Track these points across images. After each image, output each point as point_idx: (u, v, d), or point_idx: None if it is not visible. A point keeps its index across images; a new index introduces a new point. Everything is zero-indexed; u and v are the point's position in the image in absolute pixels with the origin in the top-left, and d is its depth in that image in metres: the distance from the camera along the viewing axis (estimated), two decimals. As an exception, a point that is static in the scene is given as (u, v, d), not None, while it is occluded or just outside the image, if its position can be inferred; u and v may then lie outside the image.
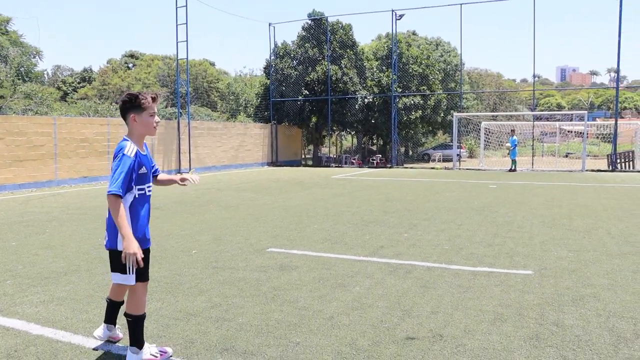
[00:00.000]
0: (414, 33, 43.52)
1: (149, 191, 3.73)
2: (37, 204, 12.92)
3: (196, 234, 8.51)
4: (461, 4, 28.32)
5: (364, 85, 32.06)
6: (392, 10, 29.56)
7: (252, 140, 30.15)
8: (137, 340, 3.65)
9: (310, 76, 31.17)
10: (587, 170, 24.61)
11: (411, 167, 29.91)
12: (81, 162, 19.30)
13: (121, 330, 4.09)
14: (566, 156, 36.76)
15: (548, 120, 43.06)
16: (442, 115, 35.04)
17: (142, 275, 3.63)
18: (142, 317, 3.67)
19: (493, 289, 5.33)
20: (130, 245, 3.33)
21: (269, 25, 32.86)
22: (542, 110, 69.09)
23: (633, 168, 25.96)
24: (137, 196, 3.58)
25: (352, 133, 39.75)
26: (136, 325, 3.64)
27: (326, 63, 30.87)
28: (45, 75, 55.43)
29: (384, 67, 32.49)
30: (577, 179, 19.73)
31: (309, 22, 32.28)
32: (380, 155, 34.35)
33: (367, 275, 5.90)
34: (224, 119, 41.19)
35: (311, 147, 38.56)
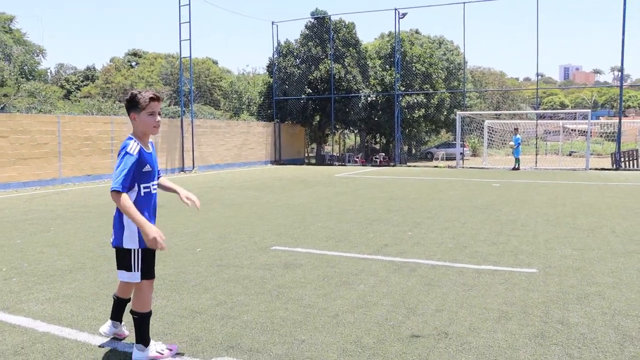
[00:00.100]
0: (417, 31, 43.45)
1: (155, 189, 3.74)
2: (42, 202, 12.96)
3: (200, 232, 8.53)
4: (464, 3, 28.27)
5: (367, 83, 32.03)
6: (395, 9, 29.53)
7: (255, 138, 30.17)
8: (143, 338, 3.66)
9: (314, 75, 31.16)
10: (590, 169, 24.55)
11: (414, 166, 29.90)
12: (85, 161, 19.34)
13: (127, 327, 4.11)
14: (570, 155, 36.70)
15: (551, 119, 43.00)
16: (445, 113, 34.99)
17: (148, 273, 3.65)
18: (148, 315, 3.68)
19: (498, 287, 5.33)
20: (149, 233, 3.34)
21: (272, 23, 32.86)
22: (545, 109, 68.98)
23: (637, 167, 25.90)
24: (142, 194, 3.60)
25: (355, 131, 39.71)
26: (142, 323, 3.66)
27: (329, 61, 30.86)
28: (49, 74, 55.52)
29: (387, 66, 32.46)
30: (581, 178, 19.69)
31: (312, 20, 32.26)
32: (384, 154, 34.32)
33: (371, 273, 5.90)
34: (227, 117, 41.19)
35: (314, 145, 38.55)
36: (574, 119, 46.53)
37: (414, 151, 44.36)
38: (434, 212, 10.72)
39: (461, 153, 29.21)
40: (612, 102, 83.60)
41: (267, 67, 34.58)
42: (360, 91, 31.26)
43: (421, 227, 8.93)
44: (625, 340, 3.97)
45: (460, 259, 6.59)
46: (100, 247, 7.45)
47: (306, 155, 36.93)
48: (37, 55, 41.82)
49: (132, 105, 3.58)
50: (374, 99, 31.75)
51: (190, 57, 26.17)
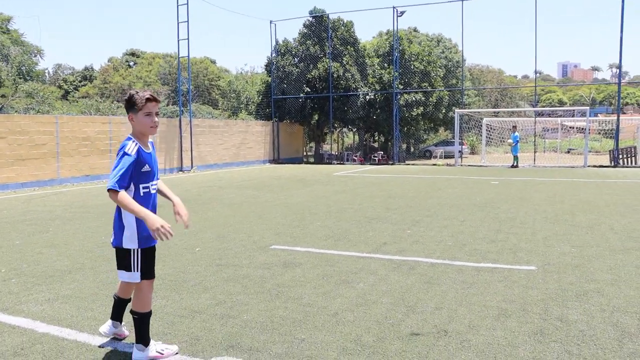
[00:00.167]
0: (415, 30, 43.46)
1: (154, 189, 3.74)
2: (40, 203, 12.95)
3: (199, 232, 8.53)
4: (462, 0, 28.26)
5: (366, 82, 32.03)
6: (393, 7, 29.51)
7: (253, 137, 30.16)
8: (143, 338, 3.67)
9: (312, 73, 31.15)
10: (589, 166, 24.58)
11: (413, 164, 29.91)
12: (83, 161, 19.33)
13: (127, 327, 4.11)
14: (568, 152, 36.72)
15: (550, 117, 43.05)
16: (443, 111, 35.01)
17: (148, 273, 3.65)
18: (148, 315, 3.69)
19: (497, 285, 5.34)
20: (153, 223, 3.34)
21: (270, 22, 32.84)
22: (543, 107, 68.97)
23: (635, 164, 25.93)
24: (141, 194, 3.60)
25: (354, 130, 39.71)
26: (142, 323, 3.66)
27: (327, 60, 30.84)
28: (47, 74, 55.50)
29: (385, 64, 32.45)
30: (579, 175, 19.71)
31: (310, 19, 32.24)
32: (382, 152, 34.33)
33: (370, 272, 5.91)
34: (225, 116, 41.19)
35: (313, 144, 38.55)
36: (572, 116, 46.61)
37: (412, 149, 44.36)
38: (433, 210, 10.73)
39: (460, 151, 29.22)
40: (610, 100, 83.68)
41: (266, 66, 34.56)
42: (359, 90, 31.26)
43: (420, 225, 8.93)
44: (624, 336, 3.98)
45: (460, 256, 6.59)
46: (99, 247, 7.45)
47: (305, 154, 36.94)
48: (35, 56, 41.77)
49: (130, 105, 3.59)
50: (372, 97, 31.75)
51: (188, 56, 26.15)
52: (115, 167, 3.44)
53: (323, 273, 5.88)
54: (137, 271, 3.59)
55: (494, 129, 32.71)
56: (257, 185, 16.90)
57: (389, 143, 35.07)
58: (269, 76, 33.31)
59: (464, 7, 28.26)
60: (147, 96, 3.57)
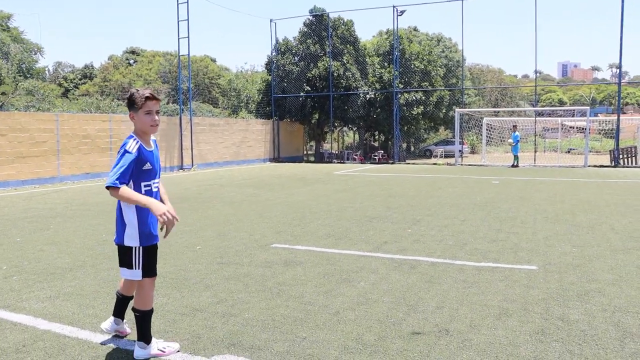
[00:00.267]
0: (415, 29, 43.43)
1: (156, 187, 3.74)
2: (41, 200, 12.95)
3: (200, 230, 8.53)
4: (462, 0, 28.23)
5: (366, 81, 32.02)
6: (394, 7, 29.50)
7: (254, 136, 30.16)
8: (144, 335, 3.67)
9: (312, 72, 31.14)
10: (589, 166, 24.58)
11: (413, 163, 29.91)
12: (83, 159, 19.33)
13: (129, 325, 4.11)
14: (568, 152, 36.72)
15: (550, 116, 43.00)
16: (444, 111, 35.00)
17: (150, 270, 3.66)
18: (149, 313, 3.69)
19: (498, 284, 5.34)
20: (158, 208, 3.35)
21: (271, 21, 32.83)
22: (543, 106, 68.97)
23: (636, 163, 25.93)
24: (143, 192, 3.60)
25: (354, 129, 39.71)
26: (144, 321, 3.67)
27: (328, 59, 30.83)
28: (47, 72, 55.46)
29: (385, 63, 32.44)
30: (580, 175, 19.72)
31: (311, 18, 32.23)
32: (382, 151, 34.32)
33: (371, 271, 5.91)
34: (225, 115, 41.18)
35: (313, 143, 38.55)
36: (573, 116, 46.59)
37: (412, 149, 44.34)
38: (434, 209, 10.73)
39: (460, 150, 29.22)
40: (610, 99, 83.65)
41: (266, 64, 34.55)
42: (359, 89, 31.25)
43: (421, 224, 8.94)
44: (625, 336, 3.98)
45: (460, 256, 6.60)
46: (100, 245, 7.45)
47: (305, 152, 36.93)
48: (35, 54, 41.78)
49: (130, 104, 3.60)
50: (372, 96, 31.75)
51: (188, 54, 26.14)
52: (116, 164, 3.45)
53: (324, 272, 5.89)
54: (139, 269, 3.60)
55: (494, 129, 32.71)
56: (257, 183, 16.90)
57: (389, 142, 35.06)
58: (269, 75, 33.30)
59: (464, 6, 28.23)
60: (147, 95, 3.57)
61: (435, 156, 35.92)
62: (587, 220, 9.27)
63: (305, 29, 32.36)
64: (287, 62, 31.91)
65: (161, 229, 3.75)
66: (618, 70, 26.83)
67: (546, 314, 4.48)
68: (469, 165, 27.39)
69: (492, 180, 17.68)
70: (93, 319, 4.44)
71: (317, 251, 6.95)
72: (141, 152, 3.55)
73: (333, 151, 37.99)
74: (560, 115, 41.18)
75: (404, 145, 39.41)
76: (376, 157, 32.34)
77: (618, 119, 26.34)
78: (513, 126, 26.85)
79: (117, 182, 3.37)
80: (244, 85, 43.33)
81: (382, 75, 31.90)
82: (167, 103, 40.00)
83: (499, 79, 68.66)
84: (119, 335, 4.05)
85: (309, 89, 31.51)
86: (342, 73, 30.67)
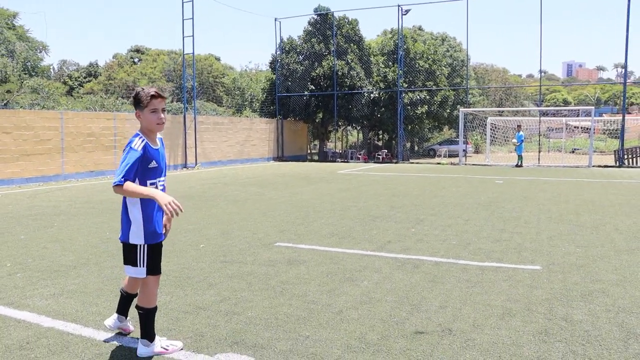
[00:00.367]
0: (420, 28, 43.38)
1: (162, 185, 3.75)
2: (45, 198, 12.99)
3: (204, 228, 8.54)
4: (468, -1, 28.13)
5: (370, 80, 32.00)
6: (399, 6, 29.46)
7: (257, 135, 30.18)
8: (148, 333, 3.68)
9: (316, 71, 31.13)
10: (593, 166, 24.50)
11: (417, 163, 29.87)
12: (88, 157, 19.37)
13: (132, 323, 4.12)
14: (573, 152, 36.62)
15: (554, 116, 42.93)
16: (448, 110, 34.96)
17: (154, 268, 3.67)
18: (153, 310, 3.70)
19: (501, 284, 5.33)
20: (163, 198, 3.36)
21: (275, 20, 32.84)
22: (548, 106, 68.80)
23: (640, 164, 25.83)
24: None
25: (358, 128, 39.70)
26: (147, 318, 3.67)
27: (332, 58, 30.82)
28: (52, 70, 55.59)
29: (390, 63, 32.40)
30: (584, 175, 19.66)
31: (315, 17, 32.23)
32: (386, 151, 34.30)
33: (375, 270, 5.91)
34: (229, 113, 41.23)
35: (317, 142, 38.54)
36: (577, 116, 46.47)
37: (416, 148, 44.31)
38: (437, 209, 10.72)
39: (464, 150, 29.17)
40: (615, 99, 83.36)
41: (270, 63, 34.57)
42: (363, 88, 31.23)
43: (424, 223, 8.93)
44: (629, 337, 3.97)
45: (464, 255, 6.59)
46: (103, 242, 7.47)
47: (309, 152, 36.93)
48: (40, 52, 41.89)
49: (136, 102, 3.61)
50: (376, 95, 31.73)
51: (193, 53, 26.17)
52: (122, 162, 3.46)
53: (327, 271, 5.89)
54: (143, 266, 3.61)
55: (499, 128, 32.65)
56: (261, 182, 16.91)
57: (393, 141, 35.02)
58: (274, 74, 33.31)
59: (468, 5, 28.13)
60: (152, 93, 3.57)
61: (439, 156, 35.87)
62: (591, 220, 9.24)
63: (310, 28, 32.36)
64: (292, 61, 31.91)
65: (165, 229, 3.78)
66: (623, 70, 26.74)
67: (550, 314, 4.47)
68: (473, 164, 27.34)
69: (496, 180, 17.65)
70: (96, 316, 4.46)
71: (320, 250, 6.95)
72: (147, 150, 3.56)
73: (337, 150, 38.00)
74: (565, 115, 41.10)
75: (408, 145, 39.37)
76: (380, 157, 32.32)
77: (623, 119, 26.25)
78: (517, 126, 26.80)
79: (122, 179, 3.39)
80: (248, 84, 43.37)
81: (387, 75, 31.86)
82: (172, 102, 40.08)
83: (503, 78, 68.49)
84: (122, 333, 4.06)
85: (313, 88, 31.51)
86: (346, 72, 30.65)
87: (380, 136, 40.34)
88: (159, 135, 3.79)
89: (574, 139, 43.48)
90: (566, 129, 38.43)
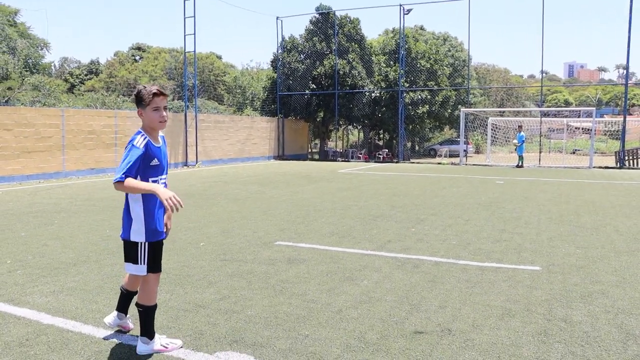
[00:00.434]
0: (421, 28, 43.38)
1: (163, 183, 3.75)
2: (45, 195, 13.00)
3: (204, 227, 8.55)
4: (470, -1, 28.12)
5: (372, 79, 31.99)
6: (400, 5, 29.45)
7: (258, 133, 30.18)
8: (147, 331, 3.68)
9: (318, 70, 31.13)
10: (594, 167, 24.49)
11: (417, 162, 29.87)
12: (88, 154, 19.38)
13: (132, 320, 4.13)
14: (573, 153, 36.60)
15: (555, 117, 42.87)
16: (449, 110, 34.96)
17: (155, 266, 3.67)
18: (153, 308, 3.70)
19: (501, 285, 5.33)
20: (164, 193, 3.36)
21: (277, 18, 32.83)
22: (549, 107, 68.73)
23: (641, 165, 25.81)
24: None
25: (359, 127, 39.69)
26: (147, 316, 3.68)
27: (333, 57, 30.81)
28: (53, 67, 55.59)
29: (391, 62, 32.39)
30: (585, 176, 19.65)
31: (317, 16, 32.22)
32: (387, 150, 34.29)
33: (375, 269, 5.91)
34: (230, 112, 41.24)
35: (318, 141, 38.54)
36: (578, 116, 46.40)
37: (417, 148, 44.31)
38: (438, 208, 10.72)
39: (465, 150, 29.16)
40: (616, 100, 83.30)
41: (271, 62, 34.56)
42: (365, 87, 31.22)
43: (425, 223, 8.93)
44: (628, 338, 3.97)
45: (464, 255, 6.59)
46: (104, 240, 7.48)
47: (309, 150, 36.93)
48: (42, 49, 41.88)
49: (138, 101, 3.61)
50: (378, 95, 31.72)
51: (194, 51, 26.17)
52: (123, 160, 3.46)
53: (327, 270, 5.89)
54: (144, 264, 3.61)
55: (500, 129, 32.63)
56: (262, 181, 16.91)
57: (394, 141, 35.02)
58: (275, 72, 33.30)
59: (470, 5, 28.13)
60: (154, 91, 3.57)
61: (440, 155, 35.86)
62: (591, 221, 9.24)
63: (312, 27, 32.36)
64: (293, 60, 31.90)
65: (166, 227, 3.79)
66: (625, 71, 26.71)
67: (549, 315, 4.47)
68: (474, 165, 27.34)
69: (496, 180, 17.65)
70: (96, 314, 4.46)
71: (320, 249, 6.95)
72: (149, 147, 3.57)
73: (338, 149, 37.99)
74: (566, 116, 41.07)
75: (409, 144, 39.37)
76: (381, 156, 32.32)
77: (624, 120, 26.24)
78: (518, 126, 26.79)
79: (123, 176, 3.39)
80: (250, 83, 43.38)
81: (388, 74, 31.85)
82: (173, 100, 40.07)
83: (504, 78, 68.42)
84: (121, 330, 4.06)
85: (315, 86, 31.51)
86: (347, 71, 30.65)
87: (381, 136, 40.32)
88: (161, 133, 3.79)
89: (574, 139, 43.46)
90: (567, 129, 38.41)
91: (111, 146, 20.22)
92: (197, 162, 25.14)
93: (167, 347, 3.73)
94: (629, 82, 27.84)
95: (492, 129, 31.02)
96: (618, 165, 25.22)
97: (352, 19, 32.05)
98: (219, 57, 58.75)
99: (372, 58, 32.60)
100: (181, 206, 3.38)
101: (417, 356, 3.66)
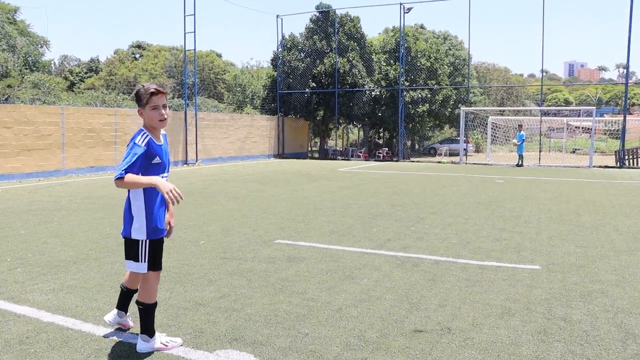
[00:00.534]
0: (421, 26, 43.34)
1: (165, 180, 3.74)
2: (45, 193, 13.00)
3: (204, 225, 8.55)
4: (470, -3, 28.10)
5: (372, 78, 31.97)
6: (401, 4, 29.44)
7: (258, 132, 30.17)
8: (147, 329, 3.69)
9: (318, 69, 31.12)
10: (594, 167, 24.49)
11: (417, 161, 29.87)
12: (88, 152, 19.38)
13: (132, 318, 4.13)
14: (573, 152, 36.59)
15: (555, 116, 42.88)
16: (449, 109, 34.93)
17: (155, 264, 3.67)
18: (153, 306, 3.71)
19: (500, 283, 5.34)
20: (165, 186, 3.37)
21: (277, 17, 32.81)
22: (549, 106, 68.71)
23: (641, 165, 25.81)
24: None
25: (359, 126, 39.67)
26: (147, 314, 3.68)
27: (334, 55, 30.80)
28: (53, 65, 55.54)
29: (391, 61, 32.37)
30: (585, 175, 19.65)
31: (317, 14, 32.20)
32: (387, 149, 34.29)
33: (374, 268, 5.91)
34: (230, 110, 41.21)
35: (317, 139, 38.54)
36: (578, 116, 46.43)
37: (417, 146, 44.29)
38: (438, 207, 10.72)
39: (465, 149, 29.16)
40: (616, 100, 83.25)
41: (272, 60, 34.55)
42: (365, 86, 31.21)
43: (424, 222, 8.93)
44: (628, 338, 3.98)
45: (464, 254, 6.59)
46: (103, 238, 7.48)
47: (309, 149, 36.93)
48: (41, 47, 41.83)
49: (137, 100, 3.62)
50: (378, 93, 31.70)
51: (194, 49, 26.15)
52: (124, 158, 3.46)
53: (327, 268, 5.89)
54: (145, 262, 3.61)
55: (500, 128, 32.63)
56: (261, 179, 16.91)
57: (394, 140, 35.02)
58: (275, 71, 33.29)
59: (470, 4, 28.12)
60: (152, 90, 3.56)
61: (440, 154, 35.86)
62: (591, 220, 9.25)
63: (312, 25, 32.34)
64: (293, 58, 31.89)
65: (169, 225, 3.80)
66: (625, 71, 26.71)
67: (549, 314, 4.48)
68: (474, 164, 27.34)
69: (496, 179, 17.65)
70: (96, 311, 4.46)
71: (320, 247, 6.96)
72: (150, 145, 3.57)
73: (337, 148, 37.98)
74: (566, 115, 41.08)
75: (409, 143, 39.36)
76: (380, 155, 32.31)
77: (624, 120, 26.24)
78: (518, 125, 26.78)
79: (124, 172, 3.39)
80: (250, 81, 43.35)
81: (388, 73, 31.83)
82: (173, 98, 40.06)
83: (505, 77, 68.39)
84: (121, 328, 4.07)
85: (315, 85, 31.50)
86: (347, 70, 30.63)
87: (381, 134, 40.32)
88: (162, 132, 3.79)
89: (574, 139, 43.44)
90: (567, 129, 38.40)
91: (111, 144, 20.21)
92: (197, 161, 25.14)
93: (167, 345, 3.73)
94: (629, 81, 27.81)
95: (492, 128, 31.02)
96: (618, 164, 25.22)
97: (352, 17, 32.03)
98: (219, 56, 58.69)
99: (372, 56, 32.58)
100: (181, 198, 3.39)
101: (416, 355, 3.67)
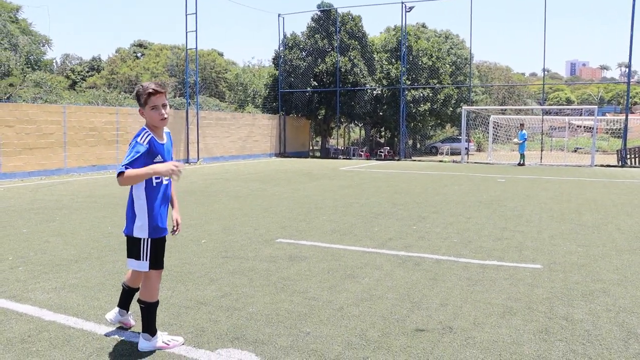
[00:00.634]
0: (423, 25, 43.31)
1: (167, 180, 3.75)
2: (47, 192, 13.01)
3: (205, 224, 8.55)
4: (472, -4, 28.06)
5: (373, 77, 31.96)
6: (402, 3, 29.41)
7: (260, 131, 30.17)
8: (149, 327, 3.69)
9: (319, 67, 31.11)
10: (596, 166, 24.46)
11: (419, 160, 29.86)
12: (90, 151, 19.39)
13: (133, 317, 4.13)
14: (575, 151, 36.56)
15: (557, 115, 42.80)
16: (451, 108, 34.91)
17: (157, 263, 3.68)
18: (155, 305, 3.71)
19: (502, 283, 5.33)
20: (165, 169, 3.42)
21: (279, 16, 32.80)
22: (551, 105, 68.63)
23: (643, 164, 25.77)
24: (153, 184, 3.63)
25: (360, 125, 39.66)
26: (149, 312, 3.68)
27: (335, 54, 30.78)
28: (55, 64, 55.60)
29: (393, 60, 32.35)
30: (586, 174, 19.63)
31: (319, 13, 32.19)
32: (388, 148, 34.29)
33: (376, 267, 5.91)
34: (232, 109, 41.21)
35: (319, 138, 38.53)
36: (580, 115, 46.34)
37: (418, 145, 44.27)
38: (439, 206, 10.71)
39: (466, 148, 29.14)
40: (618, 99, 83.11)
41: (273, 59, 34.53)
42: (366, 85, 31.20)
43: (426, 221, 8.93)
44: (629, 337, 3.97)
45: (465, 253, 6.59)
46: (105, 237, 7.48)
47: (311, 148, 36.93)
48: (43, 46, 41.90)
49: (137, 100, 3.63)
50: (379, 92, 31.68)
51: (196, 48, 26.15)
52: (126, 156, 3.47)
53: (328, 267, 5.89)
54: (146, 260, 3.61)
55: (501, 127, 32.60)
56: (263, 178, 16.91)
57: (395, 139, 35.02)
58: (277, 70, 33.28)
59: (472, 3, 28.08)
60: (149, 90, 3.55)
61: (441, 153, 35.85)
62: (593, 219, 9.24)
63: (313, 24, 32.32)
64: (295, 57, 31.88)
65: (177, 222, 3.83)
66: (627, 70, 26.66)
67: (550, 313, 4.47)
68: (475, 163, 27.32)
69: (498, 178, 17.63)
70: (98, 310, 4.47)
71: (322, 246, 6.96)
72: (152, 144, 3.57)
73: (339, 147, 37.97)
74: (568, 114, 40.97)
75: (410, 142, 39.34)
76: (382, 154, 32.31)
77: (626, 119, 26.20)
78: (520, 124, 26.75)
79: (124, 168, 3.39)
80: (251, 80, 43.33)
81: (390, 72, 31.82)
82: (174, 97, 40.09)
83: (506, 76, 68.35)
84: (123, 327, 4.07)
85: (316, 84, 31.49)
86: (349, 69, 30.62)
87: (383, 133, 40.29)
88: (166, 130, 3.80)
89: (576, 138, 43.42)
90: (569, 128, 38.35)
91: (113, 143, 20.23)
92: (198, 160, 25.15)
93: (168, 344, 3.73)
94: (631, 80, 27.77)
95: (493, 127, 30.99)
96: (620, 163, 25.18)
97: (353, 16, 32.01)
98: (221, 54, 58.72)
99: (374, 55, 32.56)
100: (180, 172, 3.47)
101: (418, 354, 3.67)
